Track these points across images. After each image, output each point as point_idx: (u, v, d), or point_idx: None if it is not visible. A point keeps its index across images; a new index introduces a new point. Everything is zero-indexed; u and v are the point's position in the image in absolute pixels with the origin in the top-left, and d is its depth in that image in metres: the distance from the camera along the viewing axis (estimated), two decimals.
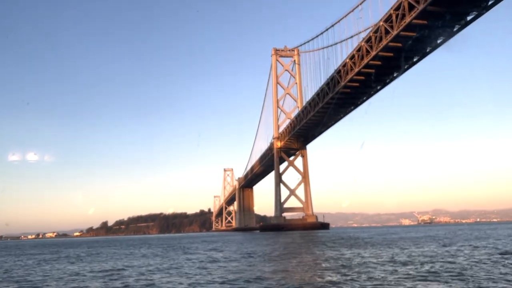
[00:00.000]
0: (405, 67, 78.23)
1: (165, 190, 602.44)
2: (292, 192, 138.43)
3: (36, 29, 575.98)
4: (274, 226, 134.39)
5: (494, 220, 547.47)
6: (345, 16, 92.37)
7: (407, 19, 61.02)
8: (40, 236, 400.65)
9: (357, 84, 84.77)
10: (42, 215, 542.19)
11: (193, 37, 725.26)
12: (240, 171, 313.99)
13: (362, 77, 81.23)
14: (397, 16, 63.85)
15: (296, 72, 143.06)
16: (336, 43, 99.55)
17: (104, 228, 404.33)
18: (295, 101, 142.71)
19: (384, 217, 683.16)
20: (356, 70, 78.57)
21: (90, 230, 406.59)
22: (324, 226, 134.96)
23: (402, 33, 63.85)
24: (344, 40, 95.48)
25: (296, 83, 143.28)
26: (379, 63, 74.68)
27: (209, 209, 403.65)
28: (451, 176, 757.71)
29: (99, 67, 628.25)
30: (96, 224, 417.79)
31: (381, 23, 68.00)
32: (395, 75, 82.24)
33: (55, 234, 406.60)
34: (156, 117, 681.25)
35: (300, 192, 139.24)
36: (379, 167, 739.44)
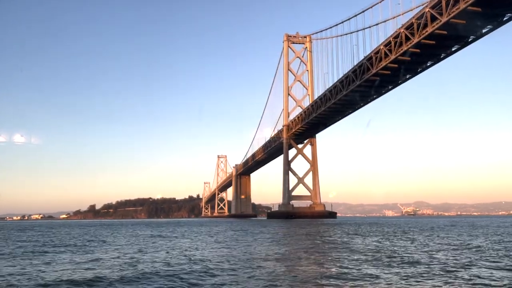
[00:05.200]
0: (442, 56, 77.16)
1: (154, 175, 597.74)
2: (300, 180, 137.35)
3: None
4: (282, 213, 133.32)
5: (474, 213, 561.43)
6: (375, 5, 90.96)
7: (461, 6, 59.40)
8: (26, 218, 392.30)
9: (388, 72, 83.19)
10: (27, 197, 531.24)
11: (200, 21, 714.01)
12: (231, 158, 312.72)
13: (395, 65, 79.71)
14: (447, 2, 62.18)
15: (308, 59, 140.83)
16: (360, 30, 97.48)
17: (92, 211, 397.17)
18: (306, 88, 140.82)
19: (368, 208, 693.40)
20: (392, 57, 76.87)
21: (77, 213, 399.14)
22: (332, 214, 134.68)
23: (452, 20, 62.28)
24: (369, 27, 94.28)
25: (308, 70, 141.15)
26: (417, 51, 73.13)
27: (198, 195, 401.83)
28: (433, 170, 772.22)
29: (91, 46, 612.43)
30: (83, 207, 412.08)
31: (427, 9, 66.24)
32: (428, 64, 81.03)
33: (41, 216, 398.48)
34: (146, 100, 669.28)
35: (307, 180, 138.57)
36: (363, 157, 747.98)
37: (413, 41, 71.20)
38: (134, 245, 31.47)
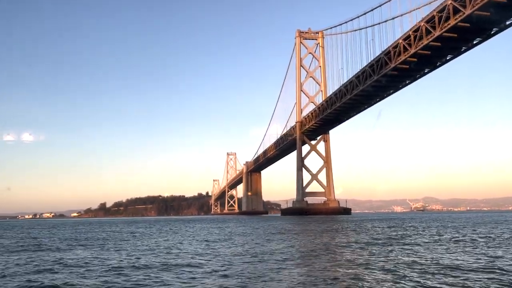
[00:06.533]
0: (463, 49, 76.26)
1: (163, 173, 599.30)
2: (314, 177, 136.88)
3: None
4: (296, 210, 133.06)
5: (484, 209, 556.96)
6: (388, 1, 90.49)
7: None
8: (38, 216, 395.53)
9: (407, 67, 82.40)
10: (38, 196, 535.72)
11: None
12: (240, 156, 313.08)
13: (415, 59, 78.90)
14: None
15: (320, 55, 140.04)
16: (376, 24, 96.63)
17: (103, 209, 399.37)
18: (319, 84, 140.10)
19: (376, 204, 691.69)
20: (412, 51, 76.08)
21: (88, 211, 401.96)
22: (346, 211, 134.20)
23: (476, 12, 61.43)
24: (385, 21, 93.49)
25: (320, 66, 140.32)
26: (438, 44, 72.28)
27: (207, 193, 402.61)
28: (442, 165, 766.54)
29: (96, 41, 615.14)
30: (93, 206, 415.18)
31: (450, 1, 65.35)
32: (448, 58, 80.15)
33: (52, 214, 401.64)
34: (155, 97, 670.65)
35: (321, 176, 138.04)
36: (371, 153, 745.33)
37: (434, 34, 70.38)
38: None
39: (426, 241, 27.13)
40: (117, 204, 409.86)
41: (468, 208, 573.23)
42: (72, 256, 21.70)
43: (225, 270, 15.63)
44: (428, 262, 16.71)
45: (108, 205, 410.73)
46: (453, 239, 28.07)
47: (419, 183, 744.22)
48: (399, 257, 18.61)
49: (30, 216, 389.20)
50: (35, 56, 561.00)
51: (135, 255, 21.45)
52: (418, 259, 17.73)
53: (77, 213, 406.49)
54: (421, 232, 36.65)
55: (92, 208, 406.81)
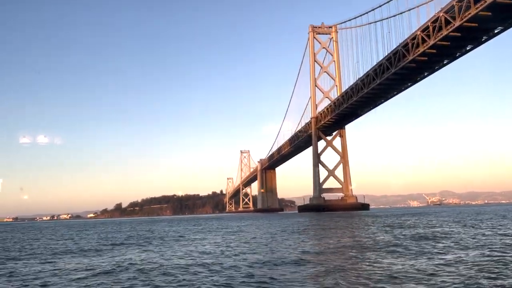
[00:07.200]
0: (483, 39, 74.48)
1: (177, 172, 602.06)
2: (330, 173, 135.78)
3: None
4: (314, 206, 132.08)
5: (502, 201, 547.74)
6: None
7: None
8: (55, 218, 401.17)
9: (425, 58, 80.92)
10: (54, 197, 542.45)
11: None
12: (254, 154, 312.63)
13: (434, 51, 77.34)
14: None
15: (334, 49, 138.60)
16: (391, 16, 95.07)
17: (119, 209, 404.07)
18: (333, 79, 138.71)
19: (392, 199, 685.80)
20: (431, 42, 74.62)
21: (104, 212, 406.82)
22: (364, 206, 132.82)
23: (498, 0, 59.82)
24: (400, 13, 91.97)
25: (334, 61, 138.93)
26: (458, 34, 70.71)
27: (221, 191, 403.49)
28: (458, 158, 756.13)
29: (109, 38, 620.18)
30: (109, 206, 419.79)
31: None
32: (468, 48, 78.41)
33: (69, 215, 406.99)
34: (169, 96, 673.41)
35: (337, 172, 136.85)
36: (384, 148, 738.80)
37: (454, 25, 68.86)
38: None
39: (468, 236, 26.28)
40: (133, 204, 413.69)
41: (486, 201, 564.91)
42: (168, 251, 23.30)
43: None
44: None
45: (124, 205, 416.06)
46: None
47: (435, 177, 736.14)
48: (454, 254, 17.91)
49: (48, 218, 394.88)
50: (48, 57, 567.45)
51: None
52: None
53: (93, 214, 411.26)
54: (456, 226, 35.73)
55: (108, 208, 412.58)
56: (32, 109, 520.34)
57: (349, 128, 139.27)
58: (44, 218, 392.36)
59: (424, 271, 13.56)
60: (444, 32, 71.30)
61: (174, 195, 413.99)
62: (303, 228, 42.77)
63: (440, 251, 18.53)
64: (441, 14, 71.58)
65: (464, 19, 66.48)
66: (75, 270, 16.82)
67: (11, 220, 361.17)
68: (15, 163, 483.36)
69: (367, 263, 15.74)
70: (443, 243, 22.07)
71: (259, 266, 16.06)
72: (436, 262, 15.24)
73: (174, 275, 14.60)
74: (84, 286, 13.41)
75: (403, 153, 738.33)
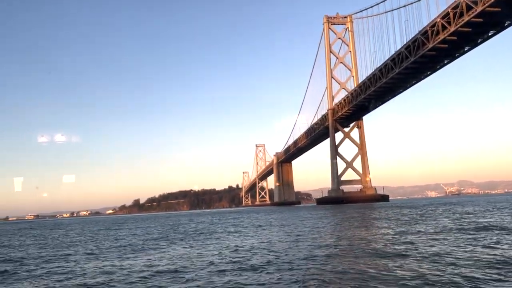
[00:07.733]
0: (506, 24, 72.68)
1: (192, 167, 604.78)
2: (349, 165, 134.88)
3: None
4: (333, 199, 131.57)
5: None
6: None
7: None
8: (75, 215, 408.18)
9: (446, 46, 79.39)
10: (73, 195, 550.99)
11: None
12: (269, 147, 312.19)
13: (455, 38, 75.83)
14: None
15: (350, 39, 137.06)
16: (410, 3, 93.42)
17: (137, 205, 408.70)
18: (350, 70, 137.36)
19: (409, 190, 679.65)
20: (452, 29, 73.15)
21: (122, 208, 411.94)
22: (384, 197, 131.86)
23: None
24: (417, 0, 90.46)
25: (350, 51, 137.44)
26: (480, 20, 69.14)
27: (237, 185, 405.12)
28: (476, 147, 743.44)
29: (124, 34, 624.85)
30: (127, 202, 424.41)
31: None
32: (490, 34, 76.63)
33: (88, 212, 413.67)
34: (184, 91, 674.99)
35: (355, 164, 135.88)
36: (399, 139, 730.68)
37: (476, 10, 67.37)
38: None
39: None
40: (150, 200, 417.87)
41: (506, 190, 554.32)
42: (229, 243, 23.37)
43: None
44: None
45: (141, 201, 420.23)
46: None
47: (453, 166, 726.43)
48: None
49: (68, 215, 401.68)
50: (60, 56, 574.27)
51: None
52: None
53: (112, 210, 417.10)
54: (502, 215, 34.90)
55: (126, 204, 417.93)
56: (49, 108, 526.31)
57: (365, 118, 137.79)
58: (64, 215, 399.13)
59: None
60: (466, 18, 69.82)
61: (191, 190, 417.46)
62: (347, 220, 40.85)
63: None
64: (462, 0, 70.07)
65: (487, 4, 65.01)
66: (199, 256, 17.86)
67: (32, 217, 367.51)
68: (34, 162, 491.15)
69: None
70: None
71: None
72: None
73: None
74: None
75: (419, 143, 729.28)
